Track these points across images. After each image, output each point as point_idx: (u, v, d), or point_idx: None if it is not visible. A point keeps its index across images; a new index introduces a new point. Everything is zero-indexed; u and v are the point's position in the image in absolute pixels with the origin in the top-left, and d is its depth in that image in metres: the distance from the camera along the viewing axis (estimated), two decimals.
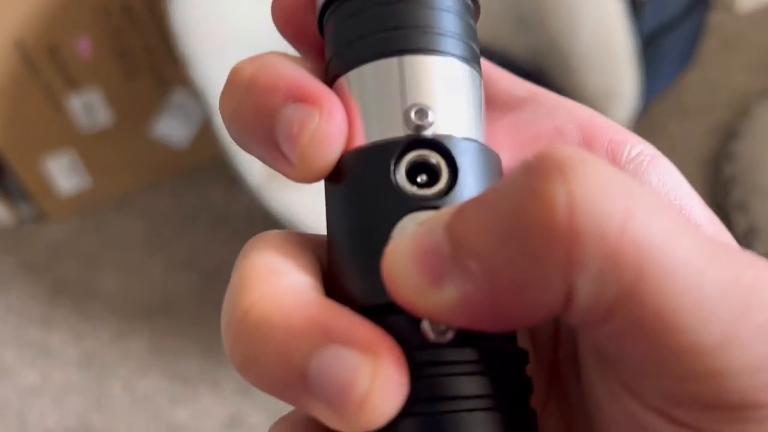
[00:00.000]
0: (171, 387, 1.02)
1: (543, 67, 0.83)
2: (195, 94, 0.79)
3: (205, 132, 1.24)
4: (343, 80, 0.12)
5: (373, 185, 0.11)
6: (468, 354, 0.11)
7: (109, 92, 1.20)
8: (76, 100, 1.20)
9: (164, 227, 1.31)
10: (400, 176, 0.11)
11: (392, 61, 0.11)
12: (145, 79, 1.21)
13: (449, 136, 0.11)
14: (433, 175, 0.11)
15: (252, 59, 0.12)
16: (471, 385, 0.11)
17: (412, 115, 0.11)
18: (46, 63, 1.13)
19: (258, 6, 0.82)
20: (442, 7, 0.12)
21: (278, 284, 0.11)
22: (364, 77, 0.11)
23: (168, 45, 1.17)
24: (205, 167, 1.31)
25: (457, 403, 0.10)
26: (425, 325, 0.11)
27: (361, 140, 0.12)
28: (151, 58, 1.20)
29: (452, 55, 0.12)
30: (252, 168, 0.76)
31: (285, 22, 0.14)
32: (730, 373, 0.10)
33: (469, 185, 0.11)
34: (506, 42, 0.83)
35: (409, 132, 0.11)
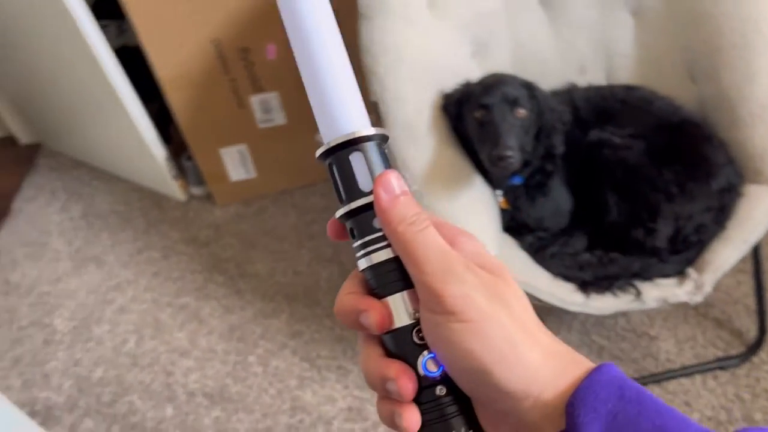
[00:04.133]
0: (301, 369, 1.06)
1: (709, 118, 0.82)
2: (369, 103, 0.85)
3: None
4: (387, 299, 0.28)
5: (404, 340, 0.27)
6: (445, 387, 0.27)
7: (284, 96, 1.27)
8: (256, 99, 1.27)
9: (314, 223, 1.36)
10: (415, 338, 0.27)
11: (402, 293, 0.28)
12: None
13: None
14: None
15: (340, 297, 0.28)
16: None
17: (414, 312, 0.27)
18: (237, 62, 1.21)
19: (430, 34, 0.87)
20: None
21: (369, 360, 0.28)
22: (396, 299, 0.28)
23: None
24: None
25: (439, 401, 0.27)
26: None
27: (393, 324, 0.28)
28: None
29: None
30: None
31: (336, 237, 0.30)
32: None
33: None
34: (674, 90, 0.83)
35: (413, 320, 0.27)
